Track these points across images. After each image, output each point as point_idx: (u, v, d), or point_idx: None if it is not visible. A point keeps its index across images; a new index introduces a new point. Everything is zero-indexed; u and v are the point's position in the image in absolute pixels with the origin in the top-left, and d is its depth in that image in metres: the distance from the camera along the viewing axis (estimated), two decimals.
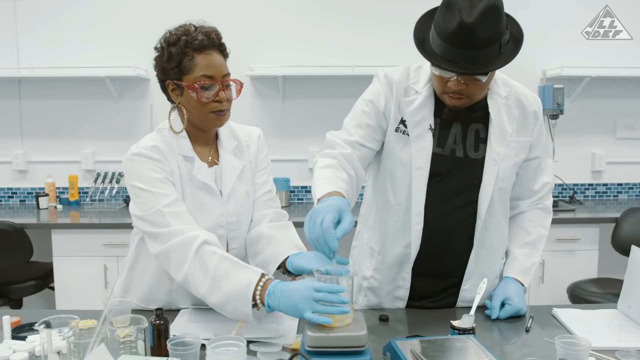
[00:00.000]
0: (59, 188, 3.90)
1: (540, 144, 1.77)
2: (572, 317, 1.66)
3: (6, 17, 3.83)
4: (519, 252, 1.80)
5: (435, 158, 1.69)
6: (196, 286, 1.44)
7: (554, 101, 3.60)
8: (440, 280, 1.79)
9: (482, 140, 1.71)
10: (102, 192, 3.86)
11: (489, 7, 1.43)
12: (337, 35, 3.85)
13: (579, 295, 3.09)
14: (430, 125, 1.69)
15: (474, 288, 1.76)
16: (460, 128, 1.70)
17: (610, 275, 3.34)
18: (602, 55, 3.89)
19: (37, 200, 3.77)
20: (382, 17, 3.83)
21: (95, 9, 3.83)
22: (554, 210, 3.45)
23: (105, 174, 3.86)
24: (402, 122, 1.70)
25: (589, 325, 1.60)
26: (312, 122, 3.93)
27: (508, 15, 1.57)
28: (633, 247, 1.68)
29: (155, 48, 1.61)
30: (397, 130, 1.71)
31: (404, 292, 1.79)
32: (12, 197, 3.98)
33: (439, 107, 1.69)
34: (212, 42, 1.58)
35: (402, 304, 1.79)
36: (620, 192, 4.09)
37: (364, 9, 3.83)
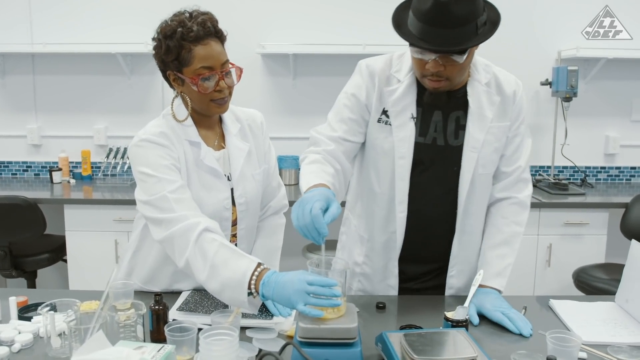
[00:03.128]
0: (72, 162, 3.96)
1: (515, 122, 1.75)
2: (569, 309, 1.67)
3: None
4: (491, 255, 1.76)
5: (418, 147, 1.71)
6: (197, 272, 1.47)
7: (568, 83, 3.53)
8: (427, 264, 1.83)
9: (462, 127, 1.71)
10: (114, 167, 3.91)
11: None
12: (349, 14, 3.81)
13: (584, 280, 3.09)
14: (412, 114, 1.69)
15: (461, 275, 1.81)
16: (442, 116, 1.71)
17: (617, 261, 3.32)
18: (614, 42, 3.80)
19: (51, 175, 3.83)
20: None
21: None
22: (564, 194, 3.49)
23: (117, 149, 3.91)
24: (384, 112, 1.71)
25: (585, 318, 1.60)
26: (323, 101, 3.88)
27: (486, 1, 1.57)
28: (633, 242, 1.67)
29: (153, 39, 1.61)
30: (379, 121, 1.72)
31: (394, 280, 1.82)
32: (26, 170, 4.05)
33: (421, 95, 1.69)
34: (207, 31, 1.57)
35: (394, 292, 1.83)
36: (634, 176, 4.04)
37: None
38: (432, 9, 1.46)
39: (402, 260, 1.80)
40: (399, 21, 1.60)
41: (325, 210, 1.38)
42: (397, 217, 1.74)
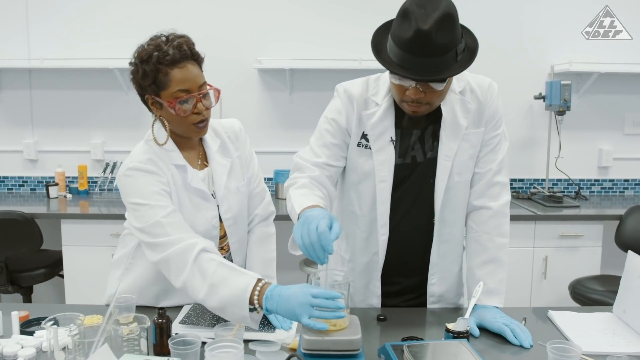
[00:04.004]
0: (68, 177, 3.96)
1: (491, 122, 1.74)
2: (567, 320, 1.69)
3: (17, 8, 3.86)
4: (481, 274, 1.73)
5: (398, 168, 1.72)
6: (194, 291, 1.48)
7: (561, 97, 3.58)
8: (408, 278, 1.84)
9: (437, 138, 1.72)
10: (111, 182, 3.91)
11: (444, 15, 1.44)
12: (345, 28, 3.86)
13: (581, 292, 3.11)
14: (392, 137, 1.70)
15: (442, 282, 1.82)
16: (420, 134, 1.72)
17: (612, 273, 3.35)
18: (607, 54, 3.87)
19: (47, 190, 3.83)
20: (391, 11, 3.81)
21: (105, 1, 3.86)
22: (558, 206, 3.52)
23: (114, 164, 3.91)
24: (364, 136, 1.73)
25: (584, 329, 1.62)
26: (319, 115, 3.91)
27: (464, 27, 1.58)
28: (630, 253, 1.70)
29: (130, 63, 1.62)
30: (359, 145, 1.73)
31: (376, 300, 1.84)
32: (22, 185, 4.04)
33: (399, 117, 1.70)
34: (184, 54, 1.57)
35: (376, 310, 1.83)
36: (627, 189, 4.09)
37: (372, 2, 3.83)
38: (414, 38, 1.45)
39: (383, 275, 1.82)
40: (378, 46, 1.60)
41: (329, 229, 1.38)
42: (379, 239, 1.76)
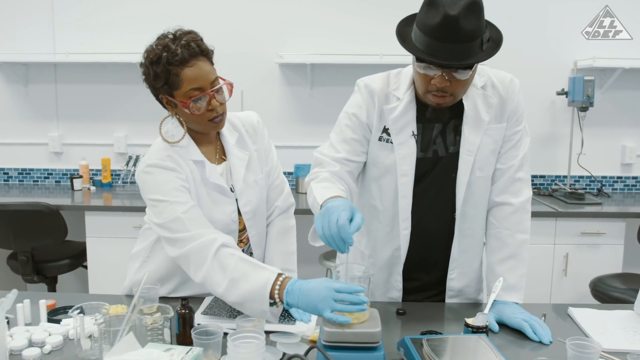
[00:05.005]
0: (92, 170, 4.03)
1: (512, 118, 1.73)
2: (587, 317, 1.68)
3: (43, 3, 3.93)
4: (501, 270, 1.72)
5: (419, 162, 1.72)
6: (214, 286, 1.49)
7: (584, 93, 3.54)
8: (430, 274, 1.84)
9: (459, 133, 1.72)
10: (134, 175, 3.96)
11: (471, 2, 1.46)
12: (366, 24, 3.86)
13: (602, 290, 3.08)
14: (413, 131, 1.71)
15: (461, 277, 1.82)
16: (441, 128, 1.72)
17: (635, 271, 3.32)
18: (629, 51, 3.81)
19: (72, 182, 3.90)
20: (411, 6, 3.79)
21: None
22: (580, 203, 3.50)
23: (137, 157, 3.97)
24: (385, 130, 1.73)
25: (604, 326, 1.62)
26: (340, 110, 3.92)
27: (488, 21, 1.58)
28: None
29: (140, 65, 1.62)
30: (380, 139, 1.74)
31: (397, 293, 1.85)
32: (47, 177, 4.12)
33: (421, 111, 1.71)
34: (192, 52, 1.57)
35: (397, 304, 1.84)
36: None
37: None
38: (442, 23, 1.46)
39: (404, 271, 1.82)
40: (402, 36, 1.61)
41: (350, 220, 1.39)
42: (401, 234, 1.77)
